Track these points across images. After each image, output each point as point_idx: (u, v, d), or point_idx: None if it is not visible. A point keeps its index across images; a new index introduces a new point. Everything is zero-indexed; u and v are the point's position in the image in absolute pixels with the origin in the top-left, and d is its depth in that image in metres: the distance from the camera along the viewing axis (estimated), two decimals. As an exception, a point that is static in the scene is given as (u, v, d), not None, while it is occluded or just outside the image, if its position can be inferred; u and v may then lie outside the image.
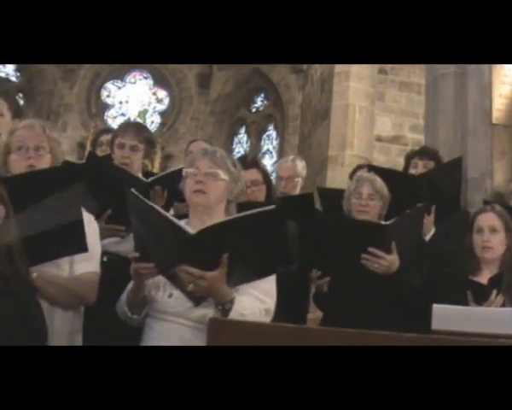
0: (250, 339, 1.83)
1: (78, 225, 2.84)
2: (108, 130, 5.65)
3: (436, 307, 2.14)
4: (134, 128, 3.99)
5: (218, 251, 2.71)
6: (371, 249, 3.52)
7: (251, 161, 4.53)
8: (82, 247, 2.89)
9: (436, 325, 2.08)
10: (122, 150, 3.92)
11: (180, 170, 3.18)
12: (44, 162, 3.06)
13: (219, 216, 2.93)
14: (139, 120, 11.89)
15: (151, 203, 2.86)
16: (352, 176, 4.48)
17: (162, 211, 2.85)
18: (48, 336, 2.03)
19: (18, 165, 3.04)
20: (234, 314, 2.73)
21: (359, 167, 4.87)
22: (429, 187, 3.99)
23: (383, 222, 3.71)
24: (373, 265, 3.55)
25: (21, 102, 11.25)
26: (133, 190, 2.82)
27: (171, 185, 3.51)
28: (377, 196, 3.84)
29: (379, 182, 3.88)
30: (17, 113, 4.00)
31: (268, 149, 12.15)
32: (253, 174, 4.16)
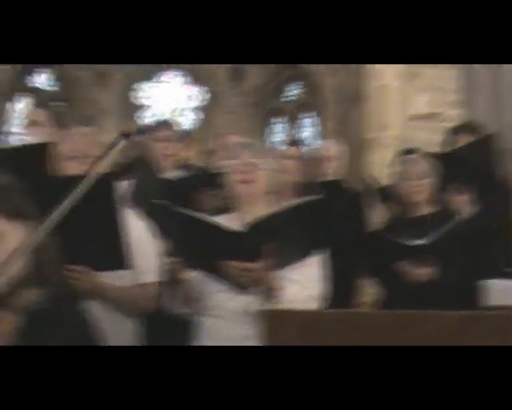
0: (303, 328, 1.83)
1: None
2: (142, 129, 5.71)
3: (492, 283, 2.12)
4: (169, 122, 4.04)
5: (262, 242, 2.72)
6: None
7: (289, 141, 4.57)
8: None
9: (494, 300, 2.06)
10: (160, 143, 3.97)
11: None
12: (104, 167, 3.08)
13: (263, 207, 2.95)
14: (174, 118, 11.92)
15: (184, 211, 2.88)
16: (394, 160, 4.47)
17: (198, 214, 2.88)
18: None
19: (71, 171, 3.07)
20: (281, 302, 2.74)
21: (402, 151, 4.86)
22: (462, 164, 3.96)
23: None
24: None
25: (60, 110, 11.35)
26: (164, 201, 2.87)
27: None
28: (427, 174, 3.83)
29: (426, 161, 3.87)
30: (58, 121, 4.05)
31: (305, 137, 12.09)
32: (292, 151, 4.19)
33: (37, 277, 1.93)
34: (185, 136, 4.18)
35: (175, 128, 4.17)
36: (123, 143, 2.37)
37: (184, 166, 4.23)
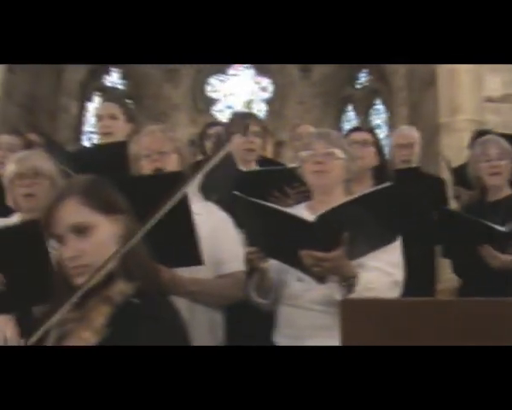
0: (383, 317, 1.80)
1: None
2: (215, 123, 5.74)
3: None
4: (252, 116, 4.06)
5: (337, 231, 2.71)
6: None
7: (363, 129, 4.53)
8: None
9: None
10: (243, 137, 3.99)
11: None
12: (171, 163, 3.11)
13: (339, 196, 2.94)
14: (246, 110, 11.96)
15: (261, 202, 2.88)
16: (471, 143, 4.39)
17: (274, 205, 2.89)
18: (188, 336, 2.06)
19: (146, 170, 3.11)
20: (360, 290, 2.72)
21: (478, 133, 4.77)
22: None
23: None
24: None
25: (131, 107, 11.52)
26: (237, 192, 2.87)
27: None
28: (506, 155, 3.75)
29: (504, 141, 3.79)
30: (130, 117, 4.12)
31: (377, 124, 11.98)
32: (363, 135, 4.15)
33: (128, 271, 2.01)
34: (266, 129, 4.17)
35: (258, 122, 4.17)
36: (226, 149, 2.39)
37: (263, 159, 4.23)
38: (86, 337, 1.91)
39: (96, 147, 3.97)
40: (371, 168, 4.05)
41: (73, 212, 1.99)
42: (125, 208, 2.09)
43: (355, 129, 4.38)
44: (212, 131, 4.86)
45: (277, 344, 2.98)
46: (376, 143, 4.17)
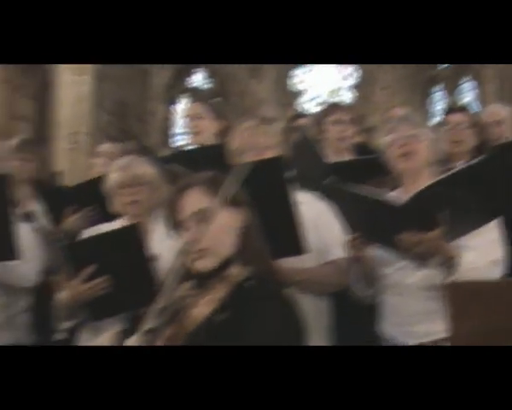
0: (490, 298, 1.78)
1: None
2: (301, 114, 5.74)
3: None
4: (345, 104, 4.06)
5: (433, 211, 2.68)
6: None
7: (451, 109, 4.44)
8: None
9: None
10: (337, 126, 3.98)
11: None
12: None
13: (427, 179, 2.90)
14: (333, 99, 11.92)
15: (354, 189, 2.87)
16: None
17: (367, 191, 2.87)
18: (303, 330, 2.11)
19: None
20: (461, 271, 2.68)
21: None
22: None
23: None
24: None
25: (219, 105, 11.63)
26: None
27: None
28: None
29: None
30: (218, 114, 4.16)
31: (466, 102, 11.74)
32: (459, 117, 4.08)
33: (244, 257, 2.14)
34: (357, 118, 4.16)
35: (348, 110, 4.17)
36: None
37: (355, 147, 4.21)
38: (202, 310, 2.04)
39: (194, 149, 4.03)
40: (470, 150, 3.97)
41: (196, 200, 2.14)
42: (246, 203, 2.20)
43: (450, 111, 4.30)
44: (301, 121, 4.85)
45: (385, 333, 2.97)
46: (473, 123, 4.09)
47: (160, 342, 1.93)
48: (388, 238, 2.77)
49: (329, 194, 3.04)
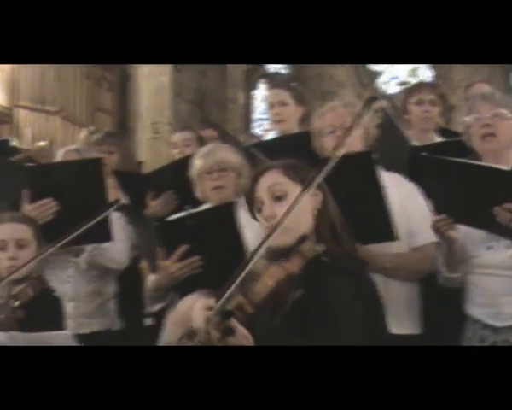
0: None
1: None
2: (381, 95, 5.68)
3: None
4: (429, 83, 3.99)
5: None
6: None
7: None
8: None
9: None
10: (421, 106, 3.93)
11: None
12: (354, 139, 3.12)
13: (510, 158, 2.83)
14: (411, 78, 11.77)
15: (452, 158, 2.81)
16: None
17: (466, 161, 2.81)
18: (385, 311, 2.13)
19: (329, 147, 3.13)
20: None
21: None
22: None
23: None
24: None
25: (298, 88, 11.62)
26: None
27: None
28: None
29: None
30: (301, 100, 4.14)
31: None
32: None
33: (320, 234, 2.22)
34: (443, 96, 4.07)
35: (432, 89, 4.10)
36: (370, 111, 2.43)
37: (439, 128, 4.14)
38: (275, 274, 2.10)
39: (280, 138, 4.02)
40: None
41: (274, 179, 2.25)
42: (322, 187, 2.25)
43: None
44: (379, 105, 4.79)
45: (472, 315, 2.91)
46: None
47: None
48: (484, 213, 2.69)
49: (423, 170, 2.97)
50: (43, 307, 2.89)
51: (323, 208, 2.24)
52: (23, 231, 3.04)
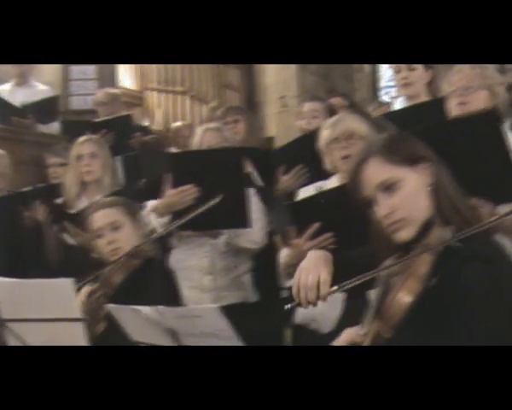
0: None
1: None
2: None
3: None
4: None
5: None
6: None
7: None
8: None
9: None
10: None
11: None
12: (478, 100, 3.05)
13: None
14: None
15: None
16: None
17: None
18: None
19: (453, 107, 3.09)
20: None
21: None
22: None
23: None
24: None
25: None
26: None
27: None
28: None
29: None
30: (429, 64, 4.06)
31: None
32: None
33: (444, 217, 2.02)
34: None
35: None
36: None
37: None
38: (410, 287, 1.96)
39: (407, 108, 3.96)
40: None
41: (378, 171, 2.04)
42: (429, 156, 2.08)
43: None
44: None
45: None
46: None
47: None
48: None
49: None
50: (155, 282, 3.06)
51: (438, 181, 2.02)
52: (113, 214, 3.19)
